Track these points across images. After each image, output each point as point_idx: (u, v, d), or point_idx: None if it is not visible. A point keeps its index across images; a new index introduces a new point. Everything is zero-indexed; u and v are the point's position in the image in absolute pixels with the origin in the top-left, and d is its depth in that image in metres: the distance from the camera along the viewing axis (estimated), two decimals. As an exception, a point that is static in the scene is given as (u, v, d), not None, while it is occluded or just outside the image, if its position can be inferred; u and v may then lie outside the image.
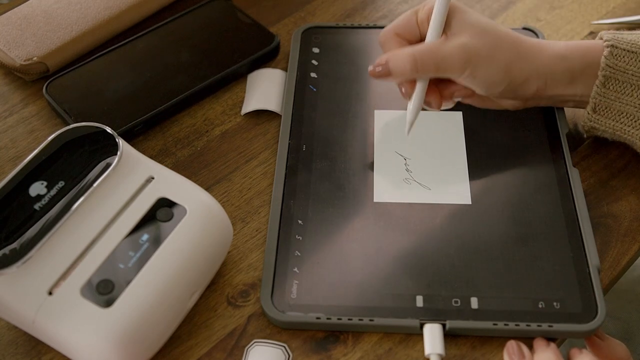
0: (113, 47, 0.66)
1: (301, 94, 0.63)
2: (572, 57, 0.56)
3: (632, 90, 0.55)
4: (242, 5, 0.70)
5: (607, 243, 0.54)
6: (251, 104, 0.63)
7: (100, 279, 0.46)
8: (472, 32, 0.54)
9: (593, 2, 0.73)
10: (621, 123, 0.56)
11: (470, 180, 0.57)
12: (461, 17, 0.55)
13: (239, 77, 0.66)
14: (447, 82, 0.57)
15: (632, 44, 0.55)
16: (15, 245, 0.45)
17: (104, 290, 0.45)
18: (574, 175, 0.57)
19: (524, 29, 0.68)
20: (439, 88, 0.57)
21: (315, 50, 0.67)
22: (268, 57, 0.66)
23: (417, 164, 0.58)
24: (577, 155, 0.60)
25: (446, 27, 0.55)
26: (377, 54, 0.66)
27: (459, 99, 0.59)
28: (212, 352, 0.49)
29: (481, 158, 0.58)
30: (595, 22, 0.70)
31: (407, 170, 0.58)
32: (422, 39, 0.57)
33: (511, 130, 0.60)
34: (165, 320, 0.47)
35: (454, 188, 0.56)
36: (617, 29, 0.70)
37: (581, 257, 0.52)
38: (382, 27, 0.69)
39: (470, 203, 0.55)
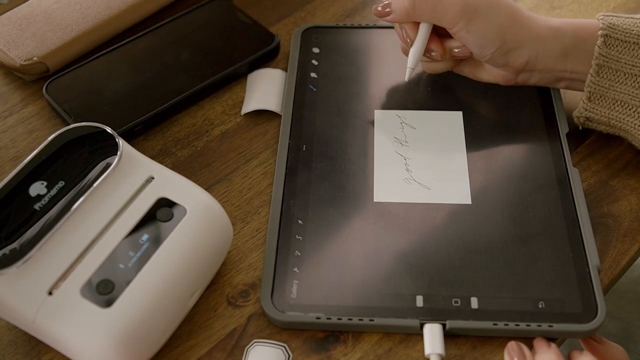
0: (113, 47, 0.66)
1: (301, 94, 0.63)
2: (565, 31, 0.56)
3: (625, 79, 0.55)
4: (242, 5, 0.70)
5: (607, 243, 0.54)
6: (251, 104, 0.63)
7: (100, 279, 0.46)
8: None
9: (593, 2, 0.73)
10: (616, 111, 0.57)
11: (470, 180, 0.57)
12: None
13: (239, 77, 0.66)
14: (447, 37, 0.59)
15: (627, 32, 0.55)
16: (15, 245, 0.45)
17: (104, 290, 0.45)
18: (574, 175, 0.57)
19: (524, 29, 0.68)
20: (441, 42, 0.59)
21: (315, 50, 0.67)
22: (268, 57, 0.66)
23: (417, 164, 0.58)
24: (577, 155, 0.60)
25: None
26: (377, 54, 0.66)
27: (457, 55, 0.60)
28: (212, 352, 0.49)
29: (481, 158, 0.58)
30: (595, 22, 0.70)
31: (407, 170, 0.58)
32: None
33: (511, 130, 0.60)
34: (165, 320, 0.47)
35: (454, 188, 0.56)
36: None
37: (581, 257, 0.52)
38: (382, 27, 0.69)
39: (470, 203, 0.55)
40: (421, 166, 0.58)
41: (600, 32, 0.56)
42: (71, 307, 0.45)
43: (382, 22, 0.70)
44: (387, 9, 0.58)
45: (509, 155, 0.59)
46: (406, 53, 0.60)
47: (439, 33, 0.59)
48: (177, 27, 0.68)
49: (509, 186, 0.57)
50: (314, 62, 0.66)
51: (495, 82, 0.61)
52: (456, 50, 0.59)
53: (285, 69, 0.66)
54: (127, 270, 0.46)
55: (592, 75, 0.56)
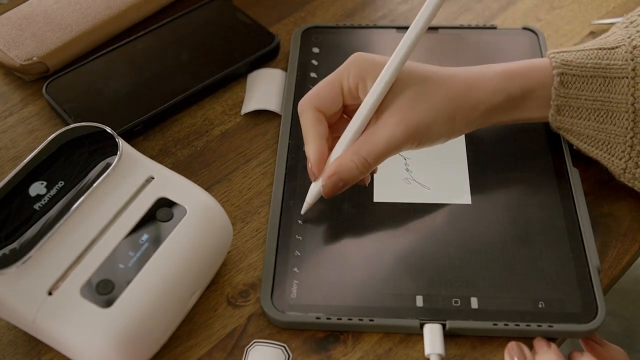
0: (113, 47, 0.66)
1: (301, 94, 0.63)
2: (510, 86, 0.53)
3: (588, 114, 0.54)
4: (242, 5, 0.70)
5: (607, 243, 0.54)
6: (251, 104, 0.63)
7: (100, 279, 0.46)
8: (405, 101, 0.50)
9: (593, 2, 0.73)
10: (585, 144, 0.55)
11: (470, 180, 0.57)
12: (390, 93, 0.51)
13: (239, 77, 0.66)
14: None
15: (582, 67, 0.53)
16: (15, 245, 0.45)
17: (104, 290, 0.45)
18: (574, 175, 0.57)
19: (524, 29, 0.68)
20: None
21: (315, 50, 0.67)
22: (268, 57, 0.66)
23: (417, 164, 0.58)
24: (577, 155, 0.60)
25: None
26: (377, 54, 0.66)
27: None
28: (212, 352, 0.49)
29: (481, 158, 0.58)
30: (595, 22, 0.70)
31: (407, 170, 0.58)
32: (344, 107, 0.53)
33: (511, 130, 0.60)
34: (165, 320, 0.47)
35: (454, 188, 0.56)
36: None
37: (581, 257, 0.52)
38: (382, 27, 0.69)
39: (470, 203, 0.55)
40: (421, 166, 0.58)
41: (555, 72, 0.53)
42: (71, 307, 0.45)
43: (382, 22, 0.70)
44: (339, 180, 0.51)
45: (509, 155, 0.58)
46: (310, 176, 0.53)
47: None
48: (177, 27, 0.68)
49: (509, 186, 0.57)
50: (314, 62, 0.66)
51: None
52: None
53: (285, 69, 0.66)
54: (127, 270, 0.46)
55: (552, 115, 0.54)
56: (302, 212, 0.55)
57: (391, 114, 0.51)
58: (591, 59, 0.53)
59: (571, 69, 0.53)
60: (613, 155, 0.54)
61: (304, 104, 0.53)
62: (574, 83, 0.53)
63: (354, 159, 0.51)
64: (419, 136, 0.51)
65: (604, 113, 0.53)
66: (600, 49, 0.54)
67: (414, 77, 0.51)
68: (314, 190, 0.53)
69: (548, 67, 0.54)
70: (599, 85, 0.53)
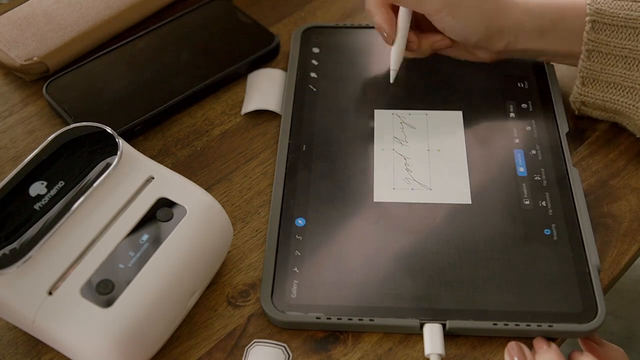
0: (113, 47, 0.66)
1: (301, 94, 0.63)
2: (543, 13, 0.58)
3: (616, 61, 0.57)
4: (242, 5, 0.70)
5: (607, 243, 0.54)
6: (251, 104, 0.63)
7: (100, 279, 0.46)
8: None
9: (593, 2, 0.73)
10: (610, 94, 0.58)
11: (470, 180, 0.57)
12: None
13: (239, 77, 0.66)
14: (428, 32, 0.60)
15: (613, 16, 0.56)
16: (15, 245, 0.45)
17: (104, 290, 0.45)
18: (574, 175, 0.57)
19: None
20: (419, 38, 0.60)
21: (315, 50, 0.67)
22: (268, 57, 0.66)
23: (417, 164, 0.58)
24: (577, 155, 0.60)
25: None
26: (377, 54, 0.66)
27: (437, 48, 0.61)
28: (212, 352, 0.49)
29: (481, 158, 0.58)
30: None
31: (407, 170, 0.58)
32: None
33: (511, 130, 0.60)
34: (165, 320, 0.47)
35: (454, 188, 0.56)
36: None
37: (581, 257, 0.52)
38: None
39: (470, 203, 0.55)
40: (421, 166, 0.58)
41: (587, 18, 0.57)
42: (71, 307, 0.45)
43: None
44: None
45: (509, 155, 0.59)
46: (387, 38, 0.60)
47: (417, 21, 0.61)
48: (177, 27, 0.68)
49: (509, 186, 0.57)
50: (314, 62, 0.66)
51: (476, 61, 0.62)
52: (437, 43, 0.60)
53: (285, 69, 0.66)
54: (127, 270, 0.46)
55: (583, 60, 0.57)
56: (391, 80, 0.61)
57: None
58: (624, 9, 0.56)
59: (603, 18, 0.56)
60: (638, 102, 0.56)
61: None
62: (605, 30, 0.56)
63: None
64: (454, 5, 0.56)
65: (631, 61, 0.56)
66: (635, 1, 0.57)
67: None
68: (396, 50, 0.60)
69: (583, 11, 0.57)
70: (629, 34, 0.56)
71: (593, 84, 0.58)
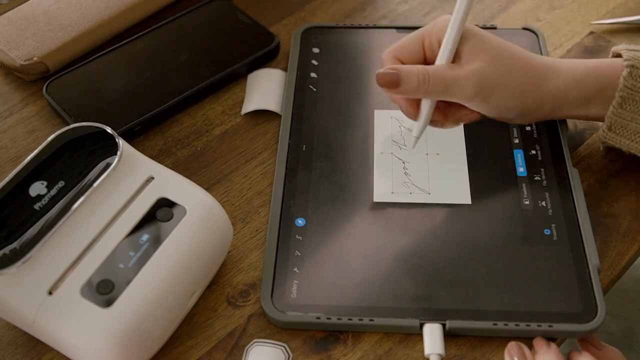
0: (113, 47, 0.66)
1: (301, 94, 0.63)
2: (588, 80, 0.54)
3: None
4: (242, 5, 0.70)
5: (607, 243, 0.54)
6: (251, 104, 0.63)
7: (100, 279, 0.46)
8: (486, 57, 0.52)
9: (593, 2, 0.73)
10: (636, 142, 0.55)
11: (470, 180, 0.57)
12: (474, 42, 0.52)
13: (239, 77, 0.66)
14: (456, 105, 0.55)
15: None
16: (15, 245, 0.45)
17: (104, 290, 0.45)
18: (574, 175, 0.57)
19: (524, 29, 0.68)
20: (446, 111, 0.56)
21: (315, 50, 0.67)
22: (268, 57, 0.67)
23: (418, 164, 0.58)
24: (577, 155, 0.60)
25: (459, 51, 0.53)
26: (377, 54, 0.66)
27: (466, 121, 0.56)
28: (212, 352, 0.49)
29: (481, 158, 0.58)
30: (595, 22, 0.70)
31: (405, 174, 0.58)
32: (425, 64, 0.54)
33: (511, 130, 0.60)
34: (165, 320, 0.47)
35: (453, 188, 0.56)
36: (617, 30, 0.70)
37: (581, 257, 0.52)
38: (382, 27, 0.69)
39: (470, 203, 0.55)
40: (421, 166, 0.58)
41: (625, 64, 0.54)
42: (71, 307, 0.45)
43: (382, 22, 0.70)
44: (396, 78, 0.52)
45: (509, 155, 0.58)
46: (408, 114, 0.56)
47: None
48: (177, 27, 0.68)
49: (508, 186, 0.57)
50: (314, 62, 0.66)
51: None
52: (465, 117, 0.56)
53: (285, 69, 0.66)
54: (127, 270, 0.46)
55: (614, 107, 0.54)
56: (413, 147, 0.57)
57: (470, 62, 0.52)
58: None
59: None
60: None
61: (387, 53, 0.55)
62: None
63: (419, 69, 0.52)
64: (487, 93, 0.52)
65: None
66: None
67: (494, 42, 0.53)
68: (419, 125, 0.55)
69: (620, 69, 0.54)
70: None
71: (620, 130, 0.55)
